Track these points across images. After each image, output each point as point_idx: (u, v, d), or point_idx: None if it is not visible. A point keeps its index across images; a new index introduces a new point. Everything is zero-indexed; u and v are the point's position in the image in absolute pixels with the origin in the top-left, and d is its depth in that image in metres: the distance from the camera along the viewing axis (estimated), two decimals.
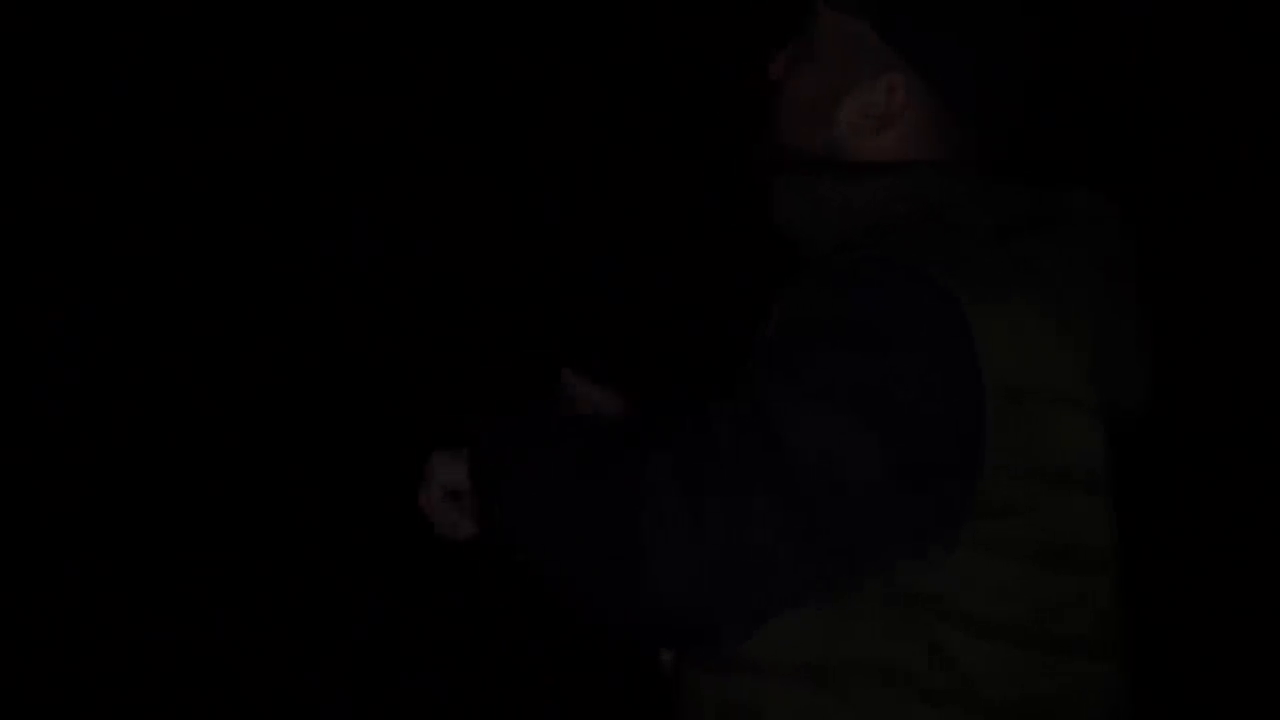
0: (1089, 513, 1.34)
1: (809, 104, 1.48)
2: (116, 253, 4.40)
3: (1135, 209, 1.50)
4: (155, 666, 3.94)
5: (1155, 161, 3.97)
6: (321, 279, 4.44)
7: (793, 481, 1.25)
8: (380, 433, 4.23)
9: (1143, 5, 3.94)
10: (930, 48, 1.43)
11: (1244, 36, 3.97)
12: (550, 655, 3.85)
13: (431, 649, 4.00)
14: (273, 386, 4.38)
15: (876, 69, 1.44)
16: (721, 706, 1.37)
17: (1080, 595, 1.34)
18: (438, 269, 4.43)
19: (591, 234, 4.41)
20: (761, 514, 1.25)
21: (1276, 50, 3.98)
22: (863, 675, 1.30)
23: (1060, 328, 1.32)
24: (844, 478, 1.25)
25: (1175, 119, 4.05)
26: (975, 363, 1.26)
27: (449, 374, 4.27)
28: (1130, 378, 1.43)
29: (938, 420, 1.26)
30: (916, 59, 1.43)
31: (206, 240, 4.45)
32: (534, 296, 4.39)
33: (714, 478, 1.26)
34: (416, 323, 4.38)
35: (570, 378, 1.53)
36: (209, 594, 4.13)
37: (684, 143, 4.34)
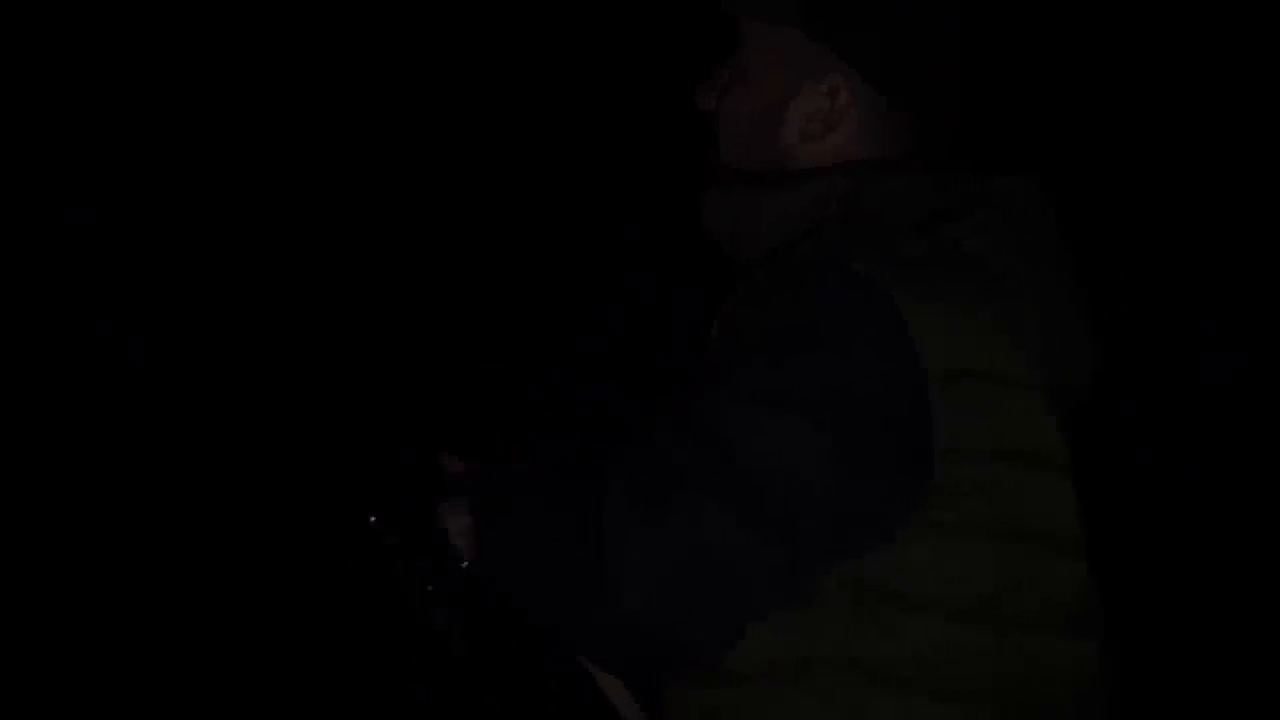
0: (1048, 491, 1.35)
1: (752, 121, 1.49)
2: (116, 253, 4.39)
3: (1075, 192, 1.51)
4: (155, 667, 3.91)
5: (1101, 145, 4.01)
6: (321, 279, 4.43)
7: (749, 489, 1.27)
8: (381, 433, 4.23)
9: None
10: (865, 44, 1.44)
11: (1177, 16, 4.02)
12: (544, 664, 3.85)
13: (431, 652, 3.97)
14: (273, 387, 4.36)
15: (815, 73, 1.45)
16: (703, 713, 1.38)
17: (1045, 573, 1.35)
18: (436, 269, 4.43)
19: (586, 237, 4.42)
20: (721, 525, 1.27)
21: (1207, 31, 4.03)
22: (834, 670, 1.31)
23: (994, 311, 1.34)
24: (800, 479, 1.27)
25: (1114, 99, 4.10)
26: (913, 350, 1.28)
27: (443, 376, 4.27)
28: (1075, 355, 1.45)
29: (884, 411, 1.28)
30: (853, 57, 1.44)
31: (206, 240, 4.44)
32: (528, 300, 4.40)
33: (669, 497, 1.28)
34: (416, 322, 4.38)
35: (446, 459, 1.53)
36: (209, 594, 4.09)
37: (672, 147, 4.37)
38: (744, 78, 1.50)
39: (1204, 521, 3.83)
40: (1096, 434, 1.49)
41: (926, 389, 1.28)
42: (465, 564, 1.42)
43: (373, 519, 1.47)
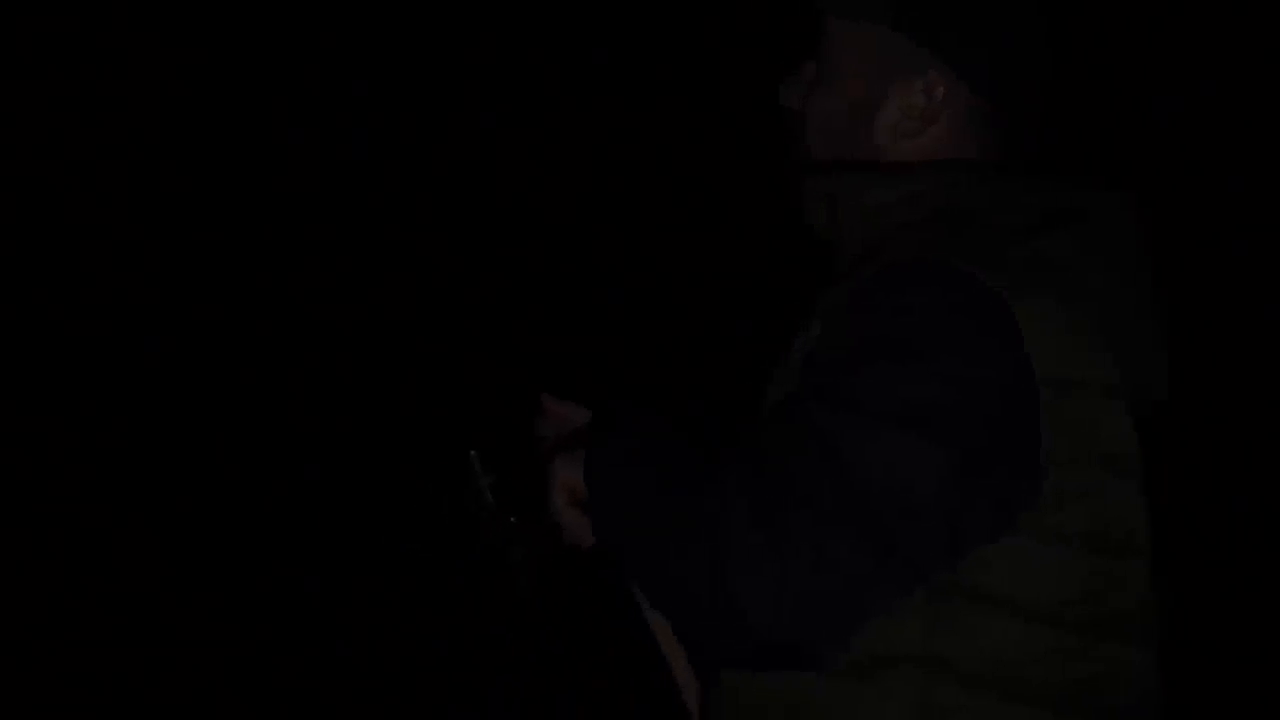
0: (1127, 498, 1.39)
1: (843, 118, 1.51)
2: (116, 254, 4.41)
3: (1162, 207, 1.52)
4: (155, 667, 3.99)
5: (1186, 159, 3.98)
6: (321, 280, 4.46)
7: (864, 504, 1.28)
8: (381, 434, 4.27)
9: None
10: (961, 42, 1.46)
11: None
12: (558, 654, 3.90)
13: (431, 650, 4.03)
14: (272, 387, 4.40)
15: (906, 71, 1.48)
16: (759, 701, 1.41)
17: (1120, 579, 1.38)
18: (437, 270, 4.45)
19: (600, 235, 4.44)
20: (839, 541, 1.28)
21: None
22: (905, 668, 1.34)
23: (1090, 322, 1.36)
24: (913, 492, 1.29)
25: (1211, 115, 4.06)
26: (1024, 356, 1.30)
27: (449, 376, 4.29)
28: (1151, 370, 1.47)
29: (996, 420, 1.30)
30: (949, 55, 1.47)
31: (205, 241, 4.47)
32: (537, 299, 4.41)
33: (789, 514, 1.29)
34: (417, 323, 4.40)
35: (548, 400, 1.57)
36: (208, 594, 4.16)
37: (695, 142, 4.36)
38: (833, 75, 1.51)
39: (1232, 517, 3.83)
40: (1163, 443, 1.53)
41: (1038, 396, 1.30)
42: (554, 517, 1.46)
43: (472, 453, 1.51)
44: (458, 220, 4.47)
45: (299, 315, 4.40)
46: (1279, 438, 3.89)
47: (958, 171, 1.47)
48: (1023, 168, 1.50)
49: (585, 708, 3.84)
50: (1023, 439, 1.30)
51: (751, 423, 1.40)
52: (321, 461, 4.26)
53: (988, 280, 1.31)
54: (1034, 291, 1.32)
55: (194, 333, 4.39)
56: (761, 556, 1.28)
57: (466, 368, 4.14)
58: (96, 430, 4.32)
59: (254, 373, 4.38)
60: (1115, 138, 3.78)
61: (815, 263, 1.53)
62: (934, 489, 1.28)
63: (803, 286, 1.49)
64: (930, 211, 1.45)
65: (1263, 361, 3.87)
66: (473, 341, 4.22)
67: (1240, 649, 3.67)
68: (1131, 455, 1.38)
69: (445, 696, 3.94)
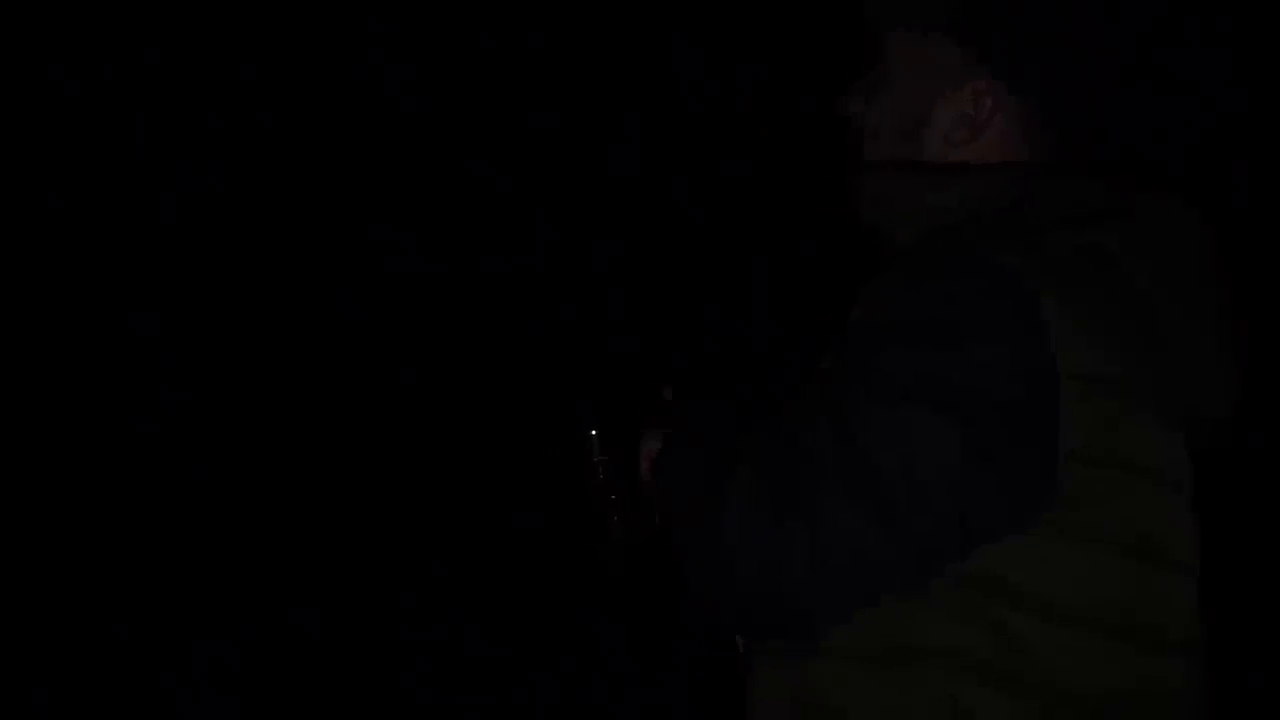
0: (1169, 511, 1.37)
1: (898, 126, 1.52)
2: (116, 254, 4.40)
3: (1226, 215, 1.50)
4: (154, 667, 3.99)
5: (1253, 167, 3.93)
6: (322, 281, 4.47)
7: (870, 476, 1.29)
8: (382, 435, 4.30)
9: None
10: (1010, 51, 1.46)
11: None
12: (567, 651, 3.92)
13: (431, 649, 4.06)
14: (274, 388, 4.42)
15: (959, 80, 1.48)
16: (794, 694, 1.41)
17: (1162, 592, 1.36)
18: (441, 269, 4.46)
19: (613, 231, 4.45)
20: (842, 511, 1.29)
21: None
22: (933, 661, 1.32)
23: (1134, 324, 1.35)
24: (921, 469, 1.28)
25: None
26: (1049, 349, 1.28)
27: (452, 375, 4.31)
28: (1210, 385, 1.44)
29: (1013, 408, 1.28)
30: (999, 63, 1.46)
31: (205, 241, 4.49)
32: (546, 297, 4.43)
33: (793, 480, 1.31)
34: (420, 324, 4.42)
35: (666, 391, 1.62)
36: (208, 595, 4.16)
37: (707, 142, 4.37)
38: (889, 85, 1.52)
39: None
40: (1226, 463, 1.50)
41: (1058, 391, 1.28)
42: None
43: (594, 432, 1.58)
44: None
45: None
46: None
47: (1009, 172, 1.47)
48: (1076, 169, 1.49)
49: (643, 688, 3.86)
50: (1040, 431, 1.29)
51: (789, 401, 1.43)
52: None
53: (1021, 271, 1.31)
54: (1068, 286, 1.32)
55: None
56: (760, 516, 1.31)
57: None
58: (121, 428, 4.35)
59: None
60: (1178, 143, 3.72)
61: (870, 261, 1.53)
62: (942, 465, 1.27)
63: (858, 283, 1.49)
64: (977, 209, 1.44)
65: None
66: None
67: None
68: (1170, 466, 1.36)
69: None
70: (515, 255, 4.38)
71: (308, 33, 4.42)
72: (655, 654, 3.62)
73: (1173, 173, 1.55)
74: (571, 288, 4.31)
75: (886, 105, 1.52)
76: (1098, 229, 1.38)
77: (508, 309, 4.33)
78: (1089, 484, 1.31)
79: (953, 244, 1.36)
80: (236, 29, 4.41)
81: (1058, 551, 1.32)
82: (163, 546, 4.21)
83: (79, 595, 4.09)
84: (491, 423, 4.15)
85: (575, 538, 1.65)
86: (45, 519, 4.18)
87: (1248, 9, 3.84)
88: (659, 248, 4.35)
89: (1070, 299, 1.30)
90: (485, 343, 4.32)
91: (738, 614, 1.38)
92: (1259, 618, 3.45)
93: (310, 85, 4.43)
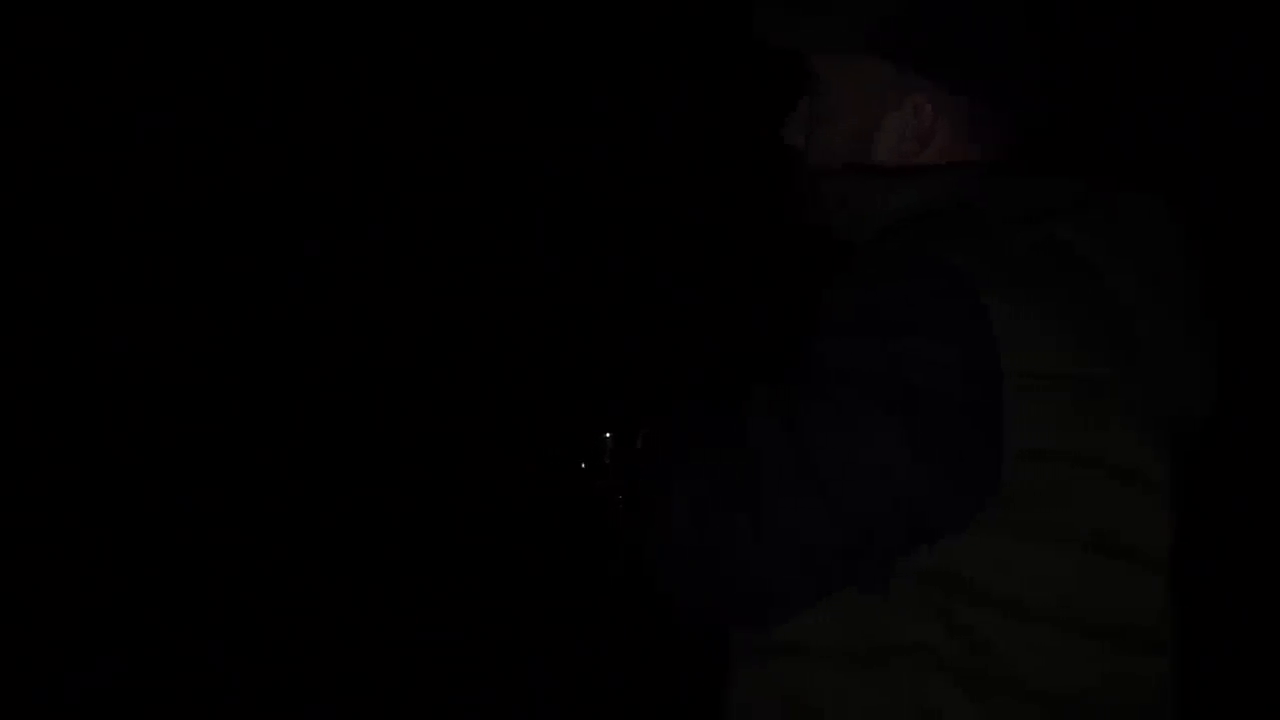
0: (1138, 507, 1.36)
1: (844, 151, 1.50)
2: (116, 255, 4.39)
3: (1193, 212, 1.49)
4: (155, 667, 3.96)
5: (1210, 161, 3.93)
6: (322, 282, 4.46)
7: (814, 467, 1.29)
8: (383, 435, 4.29)
9: None
10: (942, 58, 1.44)
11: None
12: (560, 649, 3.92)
13: (431, 649, 4.05)
14: (275, 388, 4.40)
15: (895, 96, 1.46)
16: (770, 694, 1.40)
17: (1129, 589, 1.35)
18: (438, 270, 4.46)
19: (603, 236, 4.45)
20: (786, 500, 1.29)
21: None
22: (904, 660, 1.32)
23: (1095, 320, 1.34)
24: (864, 461, 1.28)
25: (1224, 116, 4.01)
26: (992, 346, 1.28)
27: (450, 377, 4.31)
28: (1186, 378, 1.43)
29: (956, 403, 1.28)
30: (934, 73, 1.45)
31: (205, 242, 4.47)
32: (542, 299, 4.43)
33: (741, 472, 1.32)
34: (418, 326, 4.41)
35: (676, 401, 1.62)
36: (208, 595, 4.15)
37: (698, 144, 4.38)
38: (827, 113, 1.50)
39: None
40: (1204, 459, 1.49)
41: (1000, 384, 1.28)
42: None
43: (607, 435, 1.59)
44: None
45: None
46: None
47: (963, 171, 1.46)
48: (1033, 166, 1.48)
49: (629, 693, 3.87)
50: (985, 428, 1.28)
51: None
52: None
53: (967, 272, 1.31)
54: (1022, 287, 1.31)
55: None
56: (711, 511, 1.32)
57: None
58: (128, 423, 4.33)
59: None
60: (1127, 136, 3.73)
61: (828, 265, 1.54)
62: (884, 458, 1.28)
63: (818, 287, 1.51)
64: (927, 209, 1.43)
65: None
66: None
67: (1264, 669, 3.64)
68: (1138, 462, 1.36)
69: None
70: (521, 256, 4.38)
71: (308, 33, 4.40)
72: (657, 655, 3.62)
73: (1134, 162, 1.54)
74: (582, 289, 4.31)
75: (830, 135, 1.51)
76: (1054, 224, 1.37)
77: (514, 311, 4.33)
78: (1045, 481, 1.30)
79: (902, 243, 1.36)
80: (236, 29, 4.39)
81: (1013, 548, 1.31)
82: (162, 547, 4.21)
83: (78, 595, 4.08)
84: (497, 424, 4.14)
85: (580, 540, 1.66)
86: (45, 519, 4.18)
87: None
88: (662, 249, 4.36)
89: (1022, 296, 1.30)
90: (494, 344, 4.31)
91: (692, 602, 1.39)
92: (1234, 615, 3.46)
93: (310, 85, 4.43)
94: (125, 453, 4.28)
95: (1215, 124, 3.93)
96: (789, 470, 1.29)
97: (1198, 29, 3.92)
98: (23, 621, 3.96)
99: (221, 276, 4.42)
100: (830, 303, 1.36)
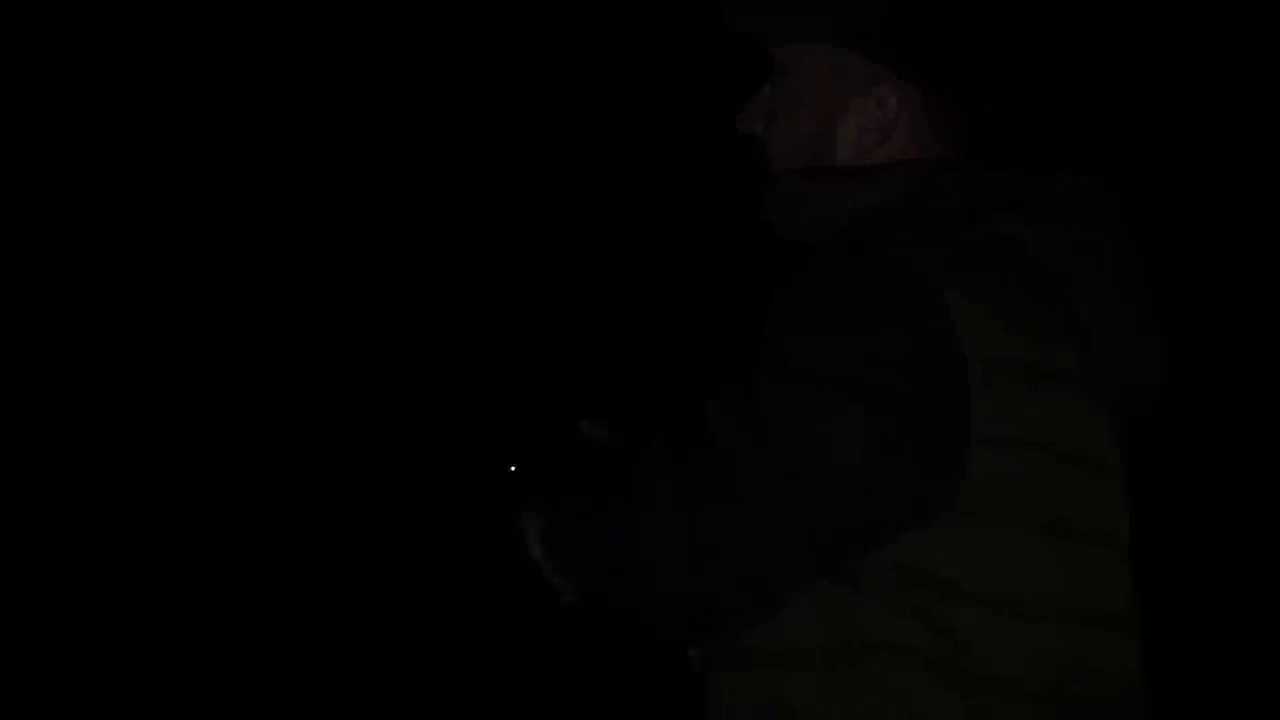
0: (1095, 491, 1.36)
1: (805, 141, 1.51)
2: (116, 255, 4.38)
3: (1138, 198, 1.52)
4: (155, 668, 3.96)
5: (1159, 149, 3.97)
6: (322, 282, 4.45)
7: (779, 462, 1.29)
8: (383, 436, 4.27)
9: None
10: (906, 52, 1.46)
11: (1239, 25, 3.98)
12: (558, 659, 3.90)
13: (432, 650, 4.03)
14: (276, 388, 4.39)
15: (859, 87, 1.48)
16: (746, 698, 1.40)
17: (1094, 572, 1.36)
18: (436, 273, 4.45)
19: (588, 238, 4.44)
20: (751, 497, 1.29)
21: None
22: (880, 656, 1.32)
23: (1046, 307, 1.35)
24: (830, 454, 1.28)
25: (1175, 100, 4.05)
26: (953, 336, 1.29)
27: (447, 379, 4.30)
28: (1136, 361, 1.45)
29: (920, 395, 1.29)
30: (896, 61, 1.46)
31: (206, 243, 4.45)
32: (533, 306, 4.42)
33: (703, 467, 1.31)
34: (417, 328, 4.40)
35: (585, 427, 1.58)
36: (209, 595, 4.14)
37: (675, 146, 4.38)
38: (789, 102, 1.51)
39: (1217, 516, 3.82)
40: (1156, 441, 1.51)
41: (965, 376, 1.29)
42: None
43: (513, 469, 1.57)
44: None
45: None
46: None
47: (920, 169, 1.47)
48: (992, 162, 1.48)
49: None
50: (948, 417, 1.29)
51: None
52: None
53: (921, 262, 1.32)
54: (976, 276, 1.32)
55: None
56: (671, 504, 1.31)
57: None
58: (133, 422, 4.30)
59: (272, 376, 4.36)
60: (1098, 130, 3.77)
61: (787, 265, 1.54)
62: (852, 450, 1.28)
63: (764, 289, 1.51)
64: (886, 206, 1.44)
65: (1265, 362, 3.85)
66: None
67: (1228, 645, 3.67)
68: (1093, 445, 1.37)
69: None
70: (519, 257, 4.37)
71: (307, 33, 4.39)
72: (638, 656, 3.62)
73: (1093, 160, 1.55)
74: (581, 290, 4.30)
75: (790, 124, 1.51)
76: (1004, 216, 1.38)
77: (511, 314, 4.32)
78: (1005, 470, 1.31)
79: (860, 241, 1.36)
80: (236, 29, 4.37)
81: (978, 538, 1.31)
82: (162, 546, 4.19)
83: (78, 595, 4.05)
84: (493, 426, 4.13)
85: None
86: (45, 519, 4.15)
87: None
88: (661, 249, 4.35)
89: (976, 287, 1.31)
90: (490, 347, 4.30)
91: (663, 617, 1.36)
92: (1199, 598, 3.49)
93: (310, 85, 4.41)
94: (125, 453, 4.27)
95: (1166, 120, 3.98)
96: (756, 462, 1.29)
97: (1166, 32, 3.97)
98: (23, 621, 3.94)
99: (221, 276, 4.41)
100: (790, 302, 1.36)
